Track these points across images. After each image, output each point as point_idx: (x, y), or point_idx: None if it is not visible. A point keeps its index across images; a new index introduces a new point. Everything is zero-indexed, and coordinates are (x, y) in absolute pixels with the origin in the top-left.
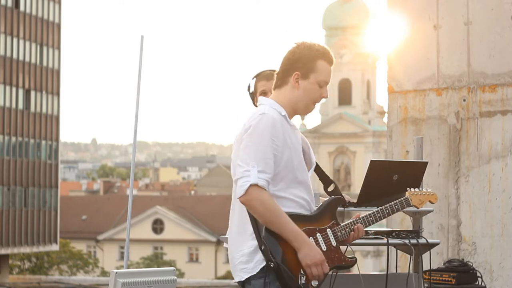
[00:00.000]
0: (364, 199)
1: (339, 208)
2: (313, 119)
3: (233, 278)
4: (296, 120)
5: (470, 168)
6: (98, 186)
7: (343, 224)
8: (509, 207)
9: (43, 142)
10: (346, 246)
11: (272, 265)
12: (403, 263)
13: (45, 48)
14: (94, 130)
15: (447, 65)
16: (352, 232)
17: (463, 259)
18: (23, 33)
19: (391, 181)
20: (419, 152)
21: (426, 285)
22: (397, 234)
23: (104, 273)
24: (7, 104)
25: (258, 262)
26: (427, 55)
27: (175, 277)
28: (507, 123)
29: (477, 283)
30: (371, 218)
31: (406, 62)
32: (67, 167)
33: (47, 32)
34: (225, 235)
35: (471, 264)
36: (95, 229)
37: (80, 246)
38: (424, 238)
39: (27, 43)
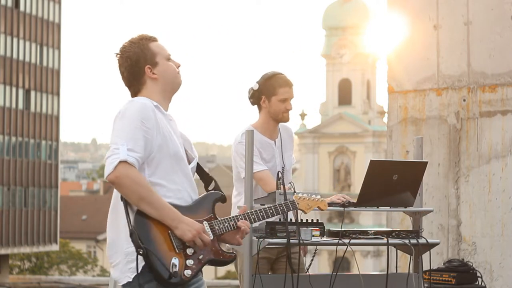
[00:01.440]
0: (364, 199)
1: (339, 209)
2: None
3: (233, 278)
4: (296, 120)
5: (470, 168)
6: (98, 186)
7: (222, 218)
8: (509, 207)
9: (43, 142)
10: (346, 247)
11: (141, 252)
12: (403, 263)
13: (45, 48)
14: (94, 130)
15: (447, 65)
16: (233, 225)
17: (463, 259)
18: (23, 33)
19: (391, 181)
20: (419, 152)
21: (426, 285)
22: (397, 234)
23: (104, 273)
24: (7, 104)
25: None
26: (427, 55)
27: None
28: (507, 123)
29: (477, 283)
30: (253, 216)
31: (406, 62)
32: (67, 167)
33: (47, 32)
34: None
35: (471, 264)
36: (95, 229)
37: (80, 246)
38: (424, 238)
39: (27, 43)
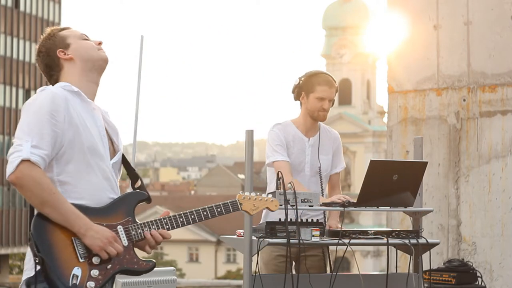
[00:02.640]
0: (364, 199)
1: (339, 209)
2: None
3: (233, 278)
4: None
5: (470, 168)
6: None
7: (142, 222)
8: (509, 207)
9: None
10: (346, 247)
11: (37, 261)
12: (403, 263)
13: None
14: None
15: (447, 65)
16: (141, 234)
17: (463, 259)
18: (23, 33)
19: (391, 181)
20: (419, 152)
21: (426, 285)
22: (397, 234)
23: None
24: (7, 104)
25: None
26: (427, 55)
27: (175, 277)
28: (507, 123)
29: (477, 283)
30: (181, 219)
31: (406, 62)
32: None
33: None
34: (225, 235)
35: (471, 264)
36: None
37: None
38: (424, 238)
39: (27, 43)
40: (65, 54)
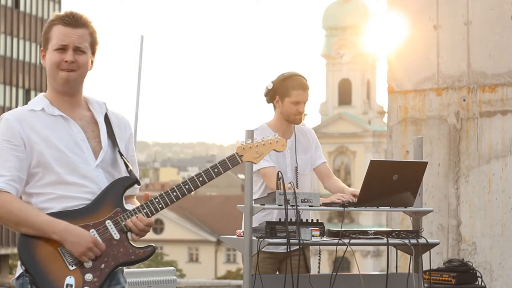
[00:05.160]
0: (364, 199)
1: (339, 209)
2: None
3: (233, 278)
4: None
5: (470, 168)
6: None
7: (132, 209)
8: (509, 207)
9: None
10: (346, 247)
11: (28, 280)
12: (403, 263)
13: None
14: None
15: (447, 65)
16: (132, 219)
17: (463, 259)
18: (23, 33)
19: (391, 181)
20: (419, 152)
21: (426, 285)
22: (397, 234)
23: None
24: (7, 104)
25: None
26: (427, 55)
27: (175, 277)
28: (507, 123)
29: (477, 283)
30: (174, 194)
31: (406, 62)
32: None
33: None
34: (225, 235)
35: (471, 264)
36: None
37: None
38: (424, 238)
39: (27, 43)
40: (43, 57)
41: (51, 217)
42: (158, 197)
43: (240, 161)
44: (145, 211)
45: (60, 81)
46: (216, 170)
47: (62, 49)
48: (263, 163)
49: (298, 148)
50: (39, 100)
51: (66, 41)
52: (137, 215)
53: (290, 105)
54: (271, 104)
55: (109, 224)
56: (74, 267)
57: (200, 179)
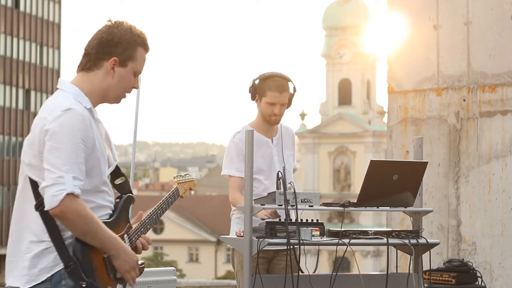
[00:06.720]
0: (364, 199)
1: (339, 209)
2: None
3: (233, 278)
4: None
5: (470, 168)
6: None
7: (135, 228)
8: (509, 207)
9: None
10: (346, 247)
11: (84, 285)
12: (403, 263)
13: (45, 48)
14: None
15: (447, 65)
16: (141, 240)
17: (463, 259)
18: (23, 33)
19: (391, 181)
20: (419, 152)
21: (426, 285)
22: (397, 234)
23: None
24: (7, 104)
25: (43, 270)
26: (427, 55)
27: (175, 277)
28: (507, 123)
29: (477, 283)
30: (149, 221)
31: (406, 62)
32: None
33: (47, 32)
34: (225, 235)
35: (471, 264)
36: None
37: None
38: (424, 238)
39: (27, 43)
40: (113, 66)
41: (113, 233)
42: (146, 221)
43: (180, 195)
44: (140, 231)
45: (116, 102)
46: (170, 201)
47: (137, 76)
48: (232, 170)
49: (284, 145)
50: (84, 95)
51: (143, 69)
52: (143, 235)
53: (266, 105)
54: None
55: (126, 238)
56: (112, 277)
57: (159, 211)
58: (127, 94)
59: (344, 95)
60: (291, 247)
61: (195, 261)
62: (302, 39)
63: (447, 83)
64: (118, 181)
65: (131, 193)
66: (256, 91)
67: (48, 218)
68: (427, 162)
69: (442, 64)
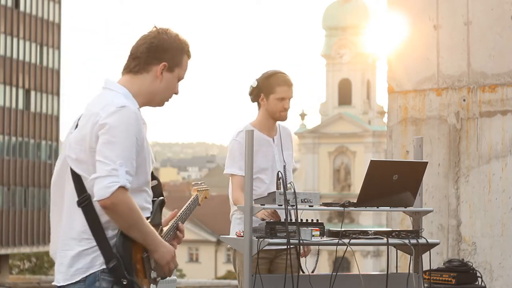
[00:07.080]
0: (364, 199)
1: (339, 209)
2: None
3: (233, 278)
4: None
5: (470, 168)
6: None
7: (166, 230)
8: (509, 207)
9: (43, 142)
10: (346, 247)
11: (125, 283)
12: (403, 263)
13: (45, 48)
14: None
15: (447, 65)
16: (178, 233)
17: (463, 259)
18: (23, 33)
19: (391, 181)
20: (419, 152)
21: (426, 285)
22: (397, 234)
23: None
24: (7, 104)
25: (79, 271)
26: (427, 55)
27: (175, 277)
28: (507, 123)
29: (477, 283)
30: (174, 227)
31: (406, 62)
32: None
33: (47, 32)
34: (225, 235)
35: (471, 264)
36: None
37: None
38: (424, 238)
39: (27, 43)
40: (162, 71)
41: (153, 228)
42: (176, 221)
43: (199, 202)
44: (172, 233)
45: (159, 106)
46: (193, 207)
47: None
48: (235, 169)
49: (283, 145)
50: (132, 97)
51: (185, 75)
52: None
53: (275, 101)
54: (256, 104)
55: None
56: (148, 277)
57: (185, 215)
58: (166, 99)
59: (344, 95)
60: (292, 247)
61: (195, 261)
62: (302, 39)
63: (447, 83)
64: (152, 184)
65: (163, 196)
66: (261, 90)
67: (91, 215)
68: (427, 162)
69: (442, 64)
